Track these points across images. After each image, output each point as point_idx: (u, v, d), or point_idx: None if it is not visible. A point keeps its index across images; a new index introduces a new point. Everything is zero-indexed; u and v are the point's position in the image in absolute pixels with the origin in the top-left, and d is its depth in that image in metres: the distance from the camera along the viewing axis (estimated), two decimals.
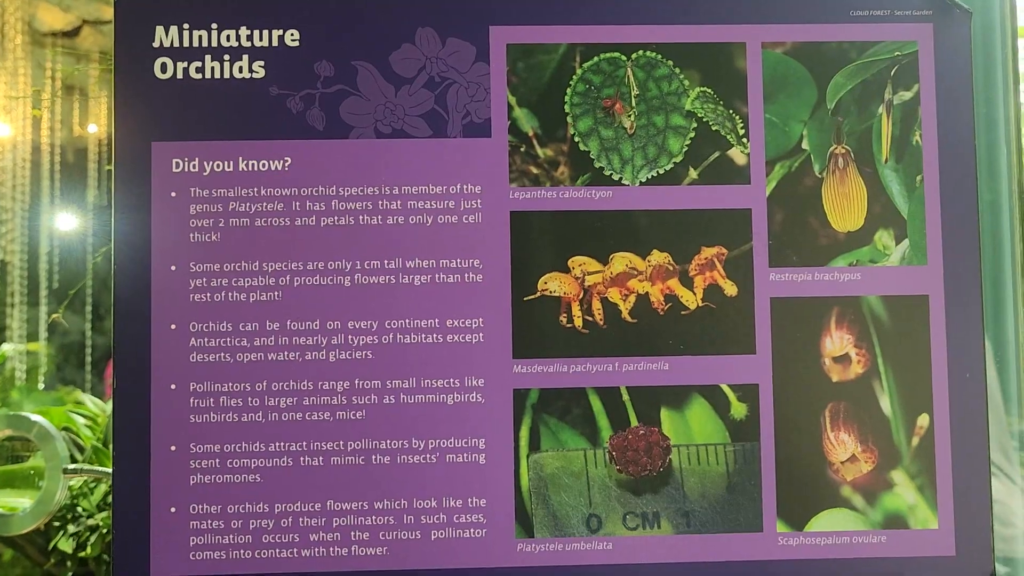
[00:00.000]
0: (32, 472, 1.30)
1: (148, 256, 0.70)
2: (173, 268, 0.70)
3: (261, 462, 0.69)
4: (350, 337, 0.70)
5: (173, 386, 0.70)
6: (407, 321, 0.71)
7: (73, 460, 1.37)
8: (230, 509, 0.69)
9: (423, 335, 0.71)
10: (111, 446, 1.42)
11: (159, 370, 0.70)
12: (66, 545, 1.31)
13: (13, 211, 4.10)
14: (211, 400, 0.70)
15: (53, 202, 4.35)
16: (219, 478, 0.69)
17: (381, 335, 0.70)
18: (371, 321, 0.70)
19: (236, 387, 0.70)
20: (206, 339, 0.70)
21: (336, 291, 0.70)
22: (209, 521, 0.69)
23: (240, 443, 0.69)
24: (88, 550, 1.30)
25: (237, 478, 0.69)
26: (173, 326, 0.70)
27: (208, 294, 0.70)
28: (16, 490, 1.34)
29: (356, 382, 0.70)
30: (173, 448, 0.69)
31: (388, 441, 0.70)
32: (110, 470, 1.32)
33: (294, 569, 0.69)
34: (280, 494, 0.69)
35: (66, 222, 4.63)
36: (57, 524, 1.34)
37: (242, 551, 0.69)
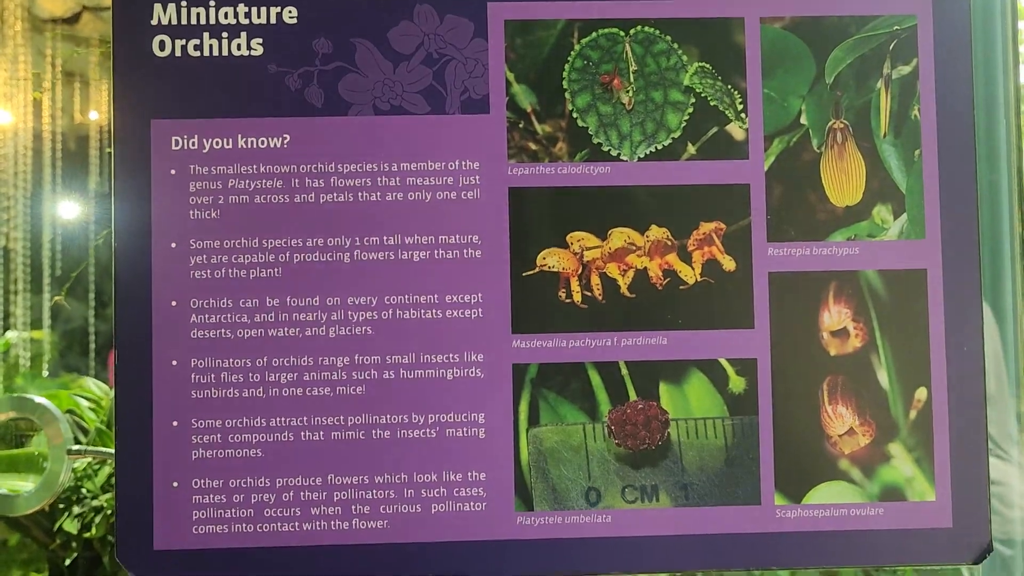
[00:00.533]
0: (37, 455, 1.31)
1: (148, 233, 0.71)
2: (173, 245, 0.71)
3: (262, 437, 0.70)
4: (350, 313, 0.71)
5: (174, 362, 0.70)
6: (406, 297, 0.71)
7: (77, 442, 1.38)
8: (232, 483, 0.70)
9: (422, 311, 0.71)
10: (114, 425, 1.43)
11: (160, 346, 0.70)
12: (71, 526, 1.32)
13: (15, 198, 4.10)
14: (212, 376, 0.70)
15: (55, 189, 4.35)
16: (221, 453, 0.70)
17: (380, 311, 0.71)
18: (370, 297, 0.71)
19: (237, 363, 0.70)
20: (207, 315, 0.70)
21: (336, 267, 0.71)
22: (211, 496, 0.70)
23: (241, 418, 0.70)
24: (93, 531, 1.31)
25: (238, 453, 0.70)
26: (174, 303, 0.70)
27: (208, 271, 0.71)
28: (20, 474, 1.35)
29: (356, 358, 0.70)
30: (175, 423, 0.70)
31: (388, 416, 0.70)
32: (114, 451, 1.33)
33: (296, 542, 0.70)
34: (281, 468, 0.70)
35: (68, 209, 4.63)
36: (62, 506, 1.35)
37: (244, 525, 0.70)
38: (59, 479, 1.14)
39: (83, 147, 4.48)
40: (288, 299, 0.71)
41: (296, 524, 0.70)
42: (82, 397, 1.48)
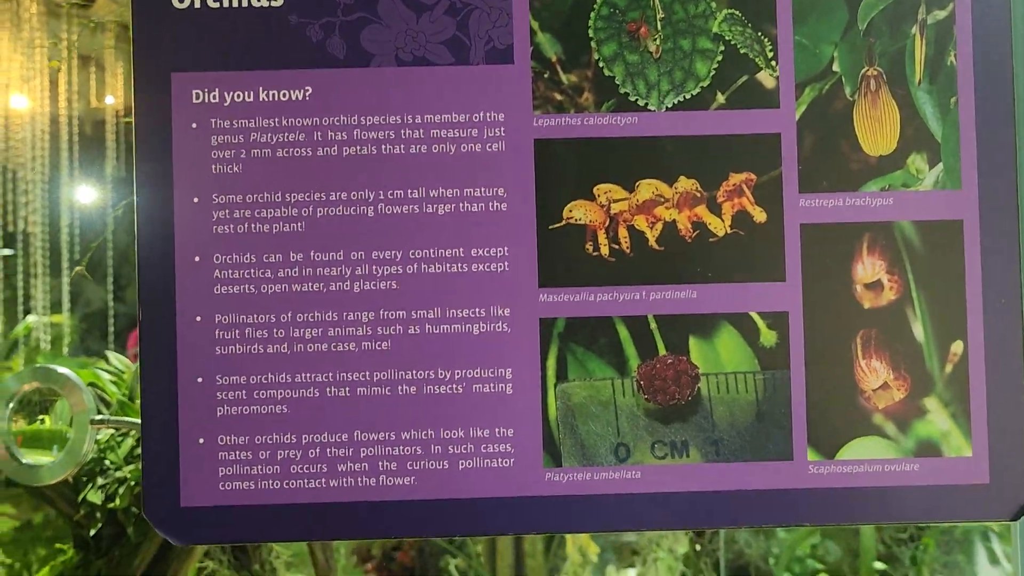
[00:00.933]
0: (60, 430, 1.31)
1: (170, 189, 0.70)
2: (195, 200, 0.70)
3: (287, 393, 0.69)
4: (374, 267, 0.70)
5: (198, 318, 0.69)
6: (431, 251, 0.70)
7: (99, 414, 1.38)
8: (257, 440, 0.69)
9: (448, 265, 0.70)
10: (138, 398, 1.43)
11: (184, 302, 0.69)
12: (95, 497, 1.32)
13: (33, 182, 4.12)
14: (236, 332, 0.69)
15: (72, 174, 4.37)
16: (246, 409, 0.69)
17: (405, 265, 0.70)
18: (395, 251, 0.70)
19: (261, 318, 0.69)
20: (230, 271, 0.70)
21: (359, 221, 0.70)
22: (237, 452, 0.69)
23: (266, 374, 0.69)
24: (117, 501, 1.32)
25: (264, 409, 0.69)
26: (197, 258, 0.70)
27: (231, 226, 0.70)
28: (44, 449, 1.35)
29: (381, 312, 0.70)
30: (200, 380, 0.69)
31: (414, 371, 0.69)
32: (137, 421, 1.33)
33: (323, 499, 0.69)
34: (307, 425, 0.69)
35: (85, 193, 4.65)
36: (85, 478, 1.36)
37: (270, 481, 0.69)
38: (83, 448, 1.14)
39: (99, 131, 4.49)
40: (312, 254, 0.70)
41: (323, 481, 0.69)
42: (103, 371, 1.48)
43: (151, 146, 0.70)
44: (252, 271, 0.70)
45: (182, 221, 0.70)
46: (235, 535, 0.69)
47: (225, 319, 0.69)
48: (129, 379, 1.47)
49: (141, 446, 0.69)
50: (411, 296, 0.70)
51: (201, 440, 0.69)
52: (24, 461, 1.17)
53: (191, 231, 0.70)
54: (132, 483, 1.35)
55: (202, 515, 0.69)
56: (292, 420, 0.69)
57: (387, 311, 0.70)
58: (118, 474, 1.35)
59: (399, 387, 0.69)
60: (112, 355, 1.57)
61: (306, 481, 0.69)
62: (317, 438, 0.69)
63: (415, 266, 0.70)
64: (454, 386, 0.70)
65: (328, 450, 0.69)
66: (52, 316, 3.96)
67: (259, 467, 0.69)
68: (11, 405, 1.14)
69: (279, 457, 0.69)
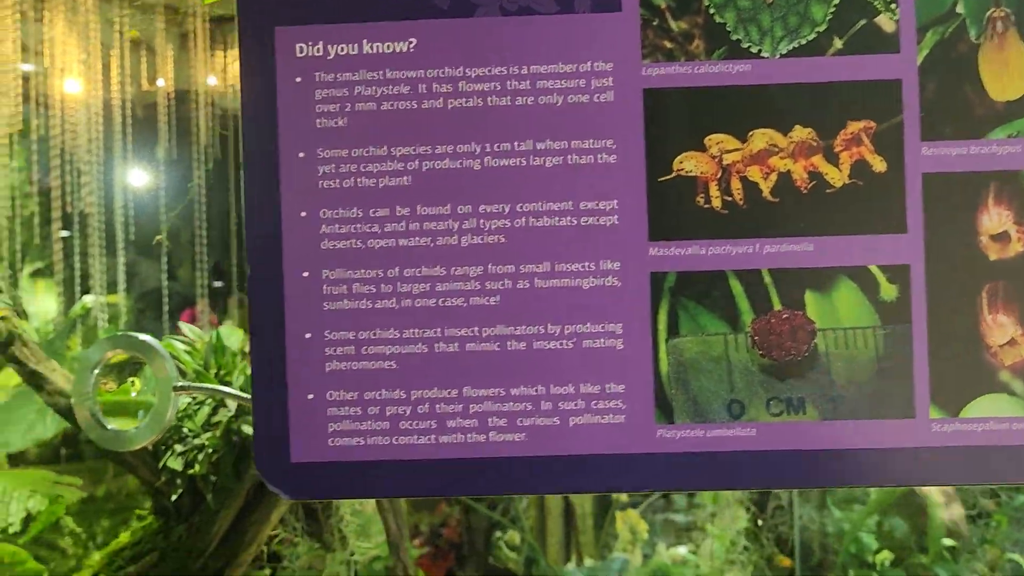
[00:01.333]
0: (139, 401, 1.33)
1: (275, 144, 0.69)
2: (301, 155, 0.69)
3: (396, 349, 0.69)
4: (482, 221, 0.68)
5: (306, 274, 0.69)
6: (540, 204, 0.68)
7: None
8: (367, 396, 0.69)
9: (556, 218, 0.68)
10: (212, 368, 1.44)
11: (291, 258, 0.69)
12: (176, 463, 1.34)
13: (90, 163, 4.20)
14: (344, 287, 0.69)
15: (125, 156, 4.44)
16: (355, 365, 0.69)
17: (513, 218, 0.68)
18: (503, 205, 0.68)
19: (368, 274, 0.69)
20: (337, 226, 0.69)
21: (466, 174, 0.69)
22: (346, 408, 0.69)
23: (374, 330, 0.69)
24: (196, 468, 1.34)
25: (372, 365, 0.69)
26: (303, 213, 0.69)
27: (337, 180, 0.69)
28: (128, 416, 1.37)
29: (489, 267, 0.68)
30: (308, 335, 0.69)
31: (523, 327, 0.68)
32: (219, 387, 1.34)
33: (432, 456, 0.69)
34: (416, 381, 0.69)
35: (139, 176, 4.73)
36: (164, 446, 1.37)
37: (380, 438, 0.69)
38: (166, 415, 1.15)
39: (151, 114, 4.56)
40: (418, 208, 0.69)
41: (432, 437, 0.69)
42: (177, 340, 1.50)
43: (256, 102, 0.69)
44: (359, 226, 0.69)
45: (288, 176, 0.69)
46: (344, 491, 0.69)
47: (332, 275, 0.69)
48: (202, 348, 1.49)
49: (252, 402, 0.69)
50: (519, 250, 0.68)
51: (310, 396, 0.69)
52: (110, 427, 1.18)
53: (297, 186, 0.69)
54: (210, 450, 1.37)
55: (312, 471, 0.69)
56: (401, 376, 0.69)
57: (495, 265, 0.68)
58: (196, 441, 1.37)
59: (508, 342, 0.68)
60: (184, 326, 1.58)
61: (415, 437, 0.69)
62: (426, 394, 0.69)
63: (523, 220, 0.68)
64: (564, 341, 0.68)
65: (437, 406, 0.69)
66: (108, 296, 4.04)
67: (368, 423, 0.69)
68: (95, 372, 1.15)
69: (388, 413, 0.69)
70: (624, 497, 4.06)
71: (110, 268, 4.12)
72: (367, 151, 0.69)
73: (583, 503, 3.91)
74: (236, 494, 1.35)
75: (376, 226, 0.69)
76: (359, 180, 0.69)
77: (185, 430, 1.38)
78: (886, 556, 2.15)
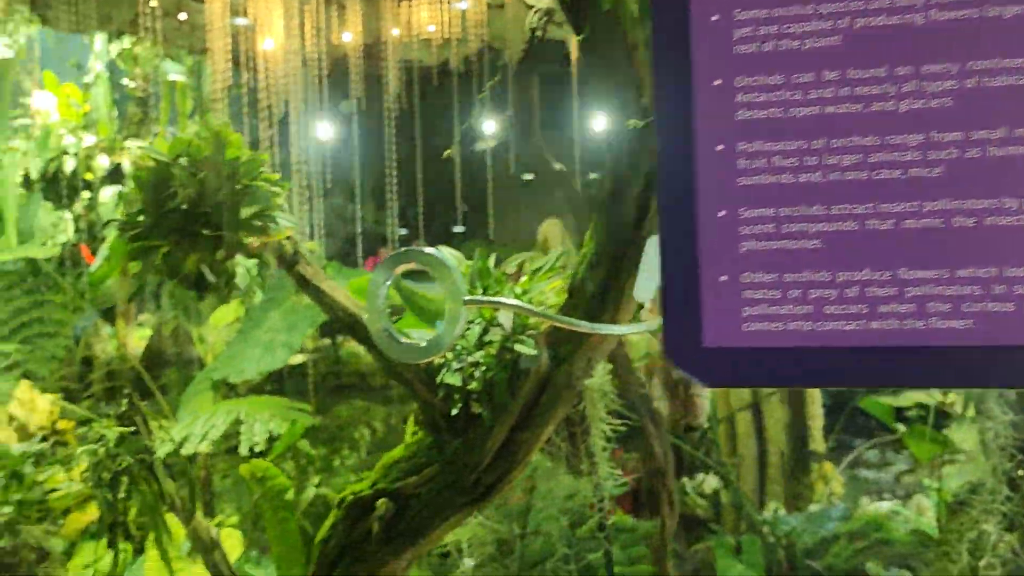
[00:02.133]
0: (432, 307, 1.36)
1: (686, 4, 0.64)
2: (715, 18, 0.64)
3: (821, 226, 0.63)
4: (924, 83, 0.61)
5: (719, 147, 0.64)
6: (995, 61, 0.60)
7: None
8: (787, 278, 0.64)
9: (1016, 76, 0.60)
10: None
11: (704, 130, 0.64)
12: (453, 379, 1.36)
13: (289, 113, 4.38)
14: (762, 160, 0.64)
15: (321, 107, 4.62)
16: (773, 245, 0.64)
17: (963, 79, 0.61)
18: (950, 64, 0.61)
19: (790, 145, 0.63)
20: (754, 94, 0.64)
21: (907, 30, 0.61)
22: (763, 291, 0.64)
23: (797, 206, 0.63)
24: (474, 384, 1.35)
25: (794, 244, 0.63)
26: (718, 81, 0.64)
27: (755, 43, 0.63)
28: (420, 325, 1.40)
29: (932, 135, 0.61)
30: (722, 214, 0.64)
31: (972, 200, 0.61)
32: (509, 300, 1.34)
33: (861, 343, 0.63)
34: (844, 261, 0.63)
35: (332, 128, 4.91)
36: (439, 363, 1.40)
37: (801, 323, 0.64)
38: (456, 328, 1.16)
39: (343, 67, 4.71)
40: (849, 70, 0.62)
41: (862, 323, 0.63)
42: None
43: None
44: (779, 93, 0.63)
45: (699, 39, 0.64)
46: (762, 379, 0.65)
47: (749, 147, 0.64)
48: (467, 272, 1.50)
49: (662, 286, 0.65)
50: (969, 114, 0.61)
51: (724, 278, 0.65)
52: (403, 341, 1.20)
53: (710, 51, 0.64)
54: (484, 368, 1.38)
55: (726, 356, 0.65)
56: (827, 256, 0.63)
57: (940, 133, 0.61)
58: (470, 359, 1.38)
59: (953, 218, 0.61)
60: (445, 249, 1.60)
61: (843, 323, 0.63)
62: (856, 276, 0.63)
63: (974, 79, 0.61)
64: (1021, 217, 0.60)
65: (868, 289, 0.63)
66: (308, 243, 4.24)
67: (788, 307, 0.64)
68: (386, 285, 1.16)
69: (811, 296, 0.63)
70: (820, 448, 3.90)
71: (312, 213, 4.31)
72: (788, 9, 0.63)
73: (778, 449, 3.79)
74: (510, 411, 1.36)
75: (799, 93, 0.63)
76: (780, 42, 0.63)
77: (459, 347, 1.40)
78: None
